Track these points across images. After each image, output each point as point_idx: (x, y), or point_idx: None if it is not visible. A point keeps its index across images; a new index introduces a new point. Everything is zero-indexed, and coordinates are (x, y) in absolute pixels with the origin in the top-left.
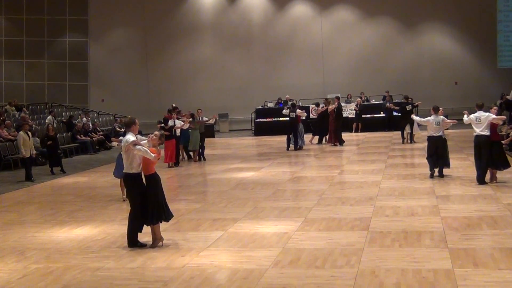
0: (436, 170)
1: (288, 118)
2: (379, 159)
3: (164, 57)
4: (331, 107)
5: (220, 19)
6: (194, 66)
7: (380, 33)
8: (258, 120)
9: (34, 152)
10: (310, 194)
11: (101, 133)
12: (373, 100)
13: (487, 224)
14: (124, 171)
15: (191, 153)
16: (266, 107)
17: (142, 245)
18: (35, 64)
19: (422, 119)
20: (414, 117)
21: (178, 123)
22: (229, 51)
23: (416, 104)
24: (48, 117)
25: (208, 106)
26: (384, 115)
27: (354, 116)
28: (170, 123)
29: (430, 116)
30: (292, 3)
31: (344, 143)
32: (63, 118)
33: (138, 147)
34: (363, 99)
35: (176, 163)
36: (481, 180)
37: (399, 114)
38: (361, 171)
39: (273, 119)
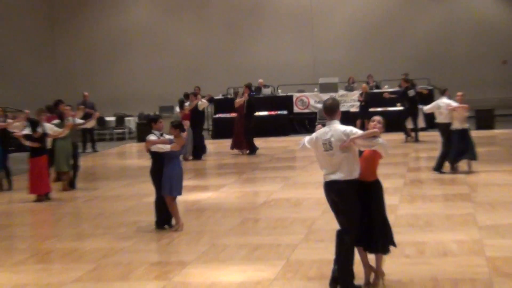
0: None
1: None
2: (396, 172)
3: (79, 26)
4: (238, 100)
5: None
6: (123, 38)
7: None
8: (217, 115)
9: None
10: (294, 225)
11: None
12: (386, 87)
13: None
14: (343, 178)
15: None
16: (229, 96)
17: None
18: None
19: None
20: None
21: (50, 128)
22: (175, 16)
23: (421, 90)
24: None
25: (145, 95)
26: (402, 108)
27: (358, 109)
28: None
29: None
30: None
31: (257, 151)
32: None
33: (381, 140)
34: (371, 85)
35: (47, 193)
36: None
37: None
38: None
39: None
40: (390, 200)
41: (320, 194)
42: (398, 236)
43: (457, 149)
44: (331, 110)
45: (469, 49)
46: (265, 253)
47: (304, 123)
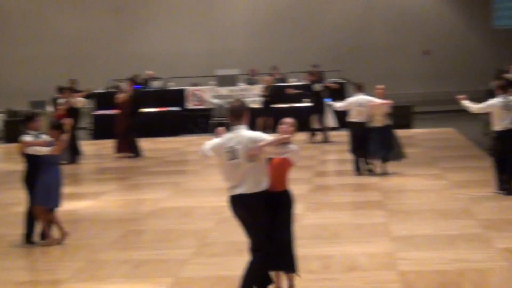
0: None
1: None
2: (302, 177)
3: None
4: (121, 96)
5: None
6: None
7: None
8: (99, 112)
9: None
10: (185, 237)
11: None
12: (293, 80)
13: (471, 284)
14: (250, 190)
15: None
16: (113, 90)
17: None
18: None
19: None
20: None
21: None
22: None
23: (328, 84)
24: None
25: (13, 88)
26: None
27: (261, 105)
28: None
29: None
30: None
31: (142, 155)
32: None
33: (293, 146)
34: (276, 78)
35: None
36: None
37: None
38: None
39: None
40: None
41: (215, 202)
42: (302, 249)
43: (382, 146)
44: (239, 114)
45: (387, 40)
46: (150, 270)
47: (199, 121)
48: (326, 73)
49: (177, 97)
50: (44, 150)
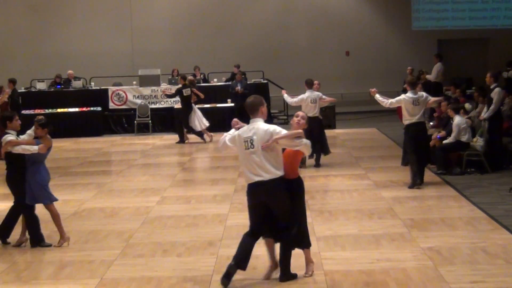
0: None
1: None
2: (226, 177)
3: None
4: (1, 97)
5: None
6: None
7: None
8: (23, 112)
9: None
10: (109, 238)
11: None
12: (215, 80)
13: (396, 283)
14: (268, 177)
15: None
16: (34, 89)
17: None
18: None
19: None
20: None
21: None
22: None
23: (197, 92)
24: None
25: None
26: (232, 104)
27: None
28: None
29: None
30: None
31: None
32: None
33: (305, 140)
34: (198, 77)
35: None
36: (415, 183)
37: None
38: (194, 198)
39: (54, 110)
40: (219, 208)
41: (140, 202)
42: (227, 249)
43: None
44: (252, 108)
45: (308, 40)
46: (75, 271)
47: (121, 121)
48: (249, 73)
49: (99, 97)
50: (33, 149)
